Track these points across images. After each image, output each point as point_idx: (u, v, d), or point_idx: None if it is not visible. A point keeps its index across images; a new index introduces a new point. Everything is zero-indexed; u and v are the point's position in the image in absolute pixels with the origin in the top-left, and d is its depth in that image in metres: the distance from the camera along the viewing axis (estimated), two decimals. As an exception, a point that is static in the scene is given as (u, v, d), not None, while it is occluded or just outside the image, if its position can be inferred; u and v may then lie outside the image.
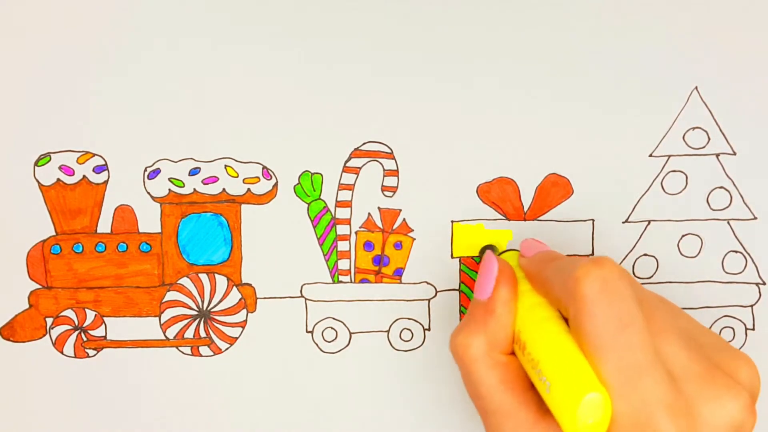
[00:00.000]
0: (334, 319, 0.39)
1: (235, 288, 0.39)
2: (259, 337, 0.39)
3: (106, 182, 0.38)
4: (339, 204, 0.39)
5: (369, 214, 0.39)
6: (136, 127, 0.38)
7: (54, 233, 0.38)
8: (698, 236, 0.39)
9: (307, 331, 0.39)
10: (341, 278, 0.39)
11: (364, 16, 0.38)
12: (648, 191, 0.39)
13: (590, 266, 0.28)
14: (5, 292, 0.38)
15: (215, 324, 0.39)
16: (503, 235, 0.39)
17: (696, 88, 0.38)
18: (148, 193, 0.38)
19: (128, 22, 0.38)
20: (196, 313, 0.39)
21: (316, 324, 0.39)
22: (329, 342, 0.39)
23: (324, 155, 0.38)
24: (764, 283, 0.39)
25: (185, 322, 0.39)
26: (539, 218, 0.39)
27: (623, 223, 0.39)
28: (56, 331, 0.39)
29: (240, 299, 0.39)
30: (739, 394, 0.28)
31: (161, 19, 0.38)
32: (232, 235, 0.39)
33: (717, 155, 0.39)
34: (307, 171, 0.38)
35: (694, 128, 0.39)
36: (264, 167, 0.38)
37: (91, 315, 0.39)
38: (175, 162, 0.38)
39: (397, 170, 0.39)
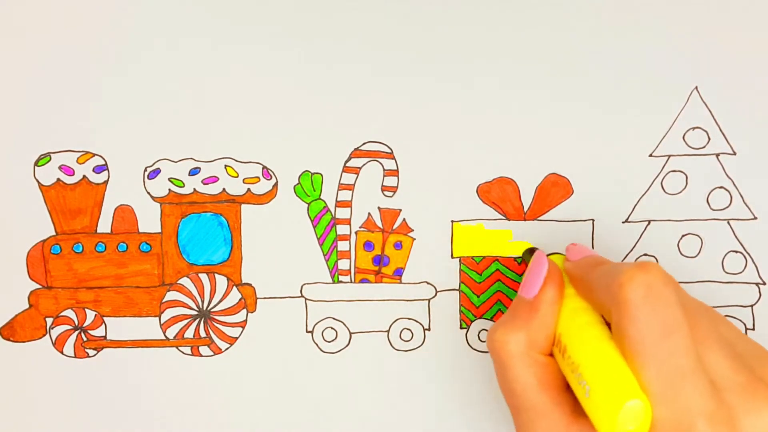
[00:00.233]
0: (334, 319, 0.39)
1: (235, 288, 0.39)
2: (259, 337, 0.39)
3: (106, 182, 0.38)
4: (339, 204, 0.39)
5: (369, 214, 0.39)
6: (136, 127, 0.38)
7: (54, 233, 0.38)
8: (698, 236, 0.39)
9: (307, 331, 0.39)
10: (341, 278, 0.39)
11: (364, 16, 0.38)
12: (648, 191, 0.39)
13: (635, 271, 0.28)
14: (5, 292, 0.38)
15: (215, 324, 0.39)
16: (503, 235, 0.39)
17: (696, 88, 0.38)
18: (148, 193, 0.38)
19: (128, 22, 0.38)
20: (196, 313, 0.39)
21: (316, 324, 0.39)
22: (329, 342, 0.39)
23: (324, 155, 0.38)
24: (764, 283, 0.39)
25: (185, 322, 0.39)
26: (539, 218, 0.39)
27: (623, 223, 0.39)
28: (56, 331, 0.39)
29: (240, 299, 0.39)
30: None
31: (161, 19, 0.38)
32: (232, 235, 0.39)
33: (717, 155, 0.39)
34: (307, 171, 0.38)
35: (694, 128, 0.39)
36: (264, 167, 0.38)
37: (91, 315, 0.39)
38: (175, 162, 0.38)
39: (397, 170, 0.39)
